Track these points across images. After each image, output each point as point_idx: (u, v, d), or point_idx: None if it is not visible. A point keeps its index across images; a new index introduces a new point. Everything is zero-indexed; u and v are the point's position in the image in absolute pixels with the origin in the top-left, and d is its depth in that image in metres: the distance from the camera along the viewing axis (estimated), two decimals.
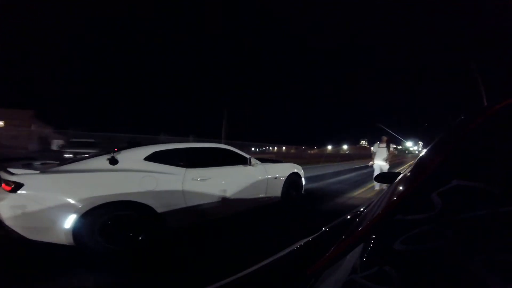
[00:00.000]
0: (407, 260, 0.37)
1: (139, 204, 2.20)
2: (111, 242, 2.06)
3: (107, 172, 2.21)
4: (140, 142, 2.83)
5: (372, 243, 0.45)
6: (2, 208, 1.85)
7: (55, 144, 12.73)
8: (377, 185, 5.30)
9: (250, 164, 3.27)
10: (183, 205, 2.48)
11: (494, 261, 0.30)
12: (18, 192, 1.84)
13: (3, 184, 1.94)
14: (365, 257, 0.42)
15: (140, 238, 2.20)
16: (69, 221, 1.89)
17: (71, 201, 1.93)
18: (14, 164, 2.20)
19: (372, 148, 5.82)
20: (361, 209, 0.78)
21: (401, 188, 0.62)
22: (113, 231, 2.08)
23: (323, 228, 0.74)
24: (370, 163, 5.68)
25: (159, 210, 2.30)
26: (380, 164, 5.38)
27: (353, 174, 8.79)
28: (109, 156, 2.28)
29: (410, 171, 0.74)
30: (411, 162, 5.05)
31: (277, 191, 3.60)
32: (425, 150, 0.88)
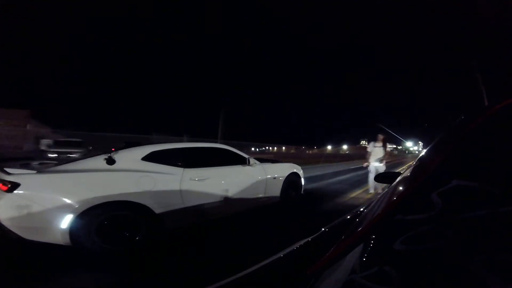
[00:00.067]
0: (407, 260, 0.37)
1: (136, 204, 2.19)
2: (108, 242, 2.05)
3: (104, 172, 2.20)
4: (139, 142, 2.82)
5: (372, 243, 0.45)
6: None
7: (44, 143, 12.45)
8: (371, 188, 4.97)
9: (248, 164, 3.27)
10: (181, 205, 2.47)
11: (494, 261, 0.30)
12: (15, 192, 1.83)
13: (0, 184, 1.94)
14: (365, 257, 0.42)
15: (137, 238, 2.20)
16: (66, 221, 1.89)
17: (68, 201, 1.92)
18: (12, 164, 2.20)
19: (367, 148, 5.25)
20: (361, 209, 0.78)
21: (401, 188, 0.62)
22: (110, 231, 2.08)
23: (323, 229, 0.74)
24: (365, 164, 5.14)
25: (157, 210, 2.29)
26: (376, 165, 4.88)
27: (353, 174, 8.79)
28: (106, 156, 2.28)
29: (410, 171, 0.74)
30: (411, 162, 4.99)
31: (276, 191, 3.60)
32: (425, 150, 0.88)
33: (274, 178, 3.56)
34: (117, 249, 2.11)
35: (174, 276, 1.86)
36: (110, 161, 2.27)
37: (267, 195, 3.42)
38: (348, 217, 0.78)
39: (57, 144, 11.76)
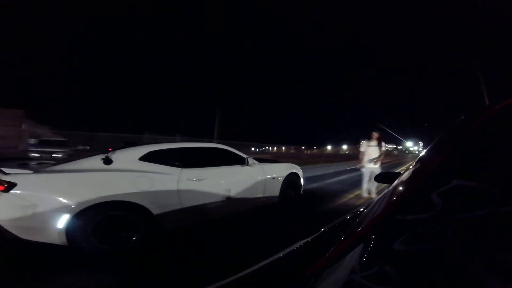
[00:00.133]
0: (407, 260, 0.37)
1: (133, 204, 2.19)
2: (104, 242, 2.05)
3: (101, 172, 2.20)
4: (135, 142, 2.81)
5: (372, 243, 0.45)
6: None
7: (30, 143, 12.25)
8: (365, 192, 4.61)
9: (247, 164, 3.26)
10: (179, 206, 2.46)
11: (494, 261, 0.30)
12: (11, 191, 1.83)
13: None
14: (365, 257, 0.42)
15: (134, 238, 2.19)
16: (62, 221, 1.89)
17: (64, 200, 1.92)
18: (10, 164, 2.20)
19: (360, 148, 4.67)
20: (361, 209, 0.78)
21: (401, 188, 0.62)
22: (106, 231, 2.07)
23: (322, 229, 0.74)
24: (359, 165, 4.61)
25: (154, 210, 2.29)
26: (370, 167, 4.38)
27: (352, 174, 8.79)
28: (103, 156, 2.28)
29: (410, 171, 0.74)
30: (411, 162, 4.93)
31: (275, 192, 3.59)
32: (425, 150, 0.88)
33: (273, 178, 3.55)
34: (114, 249, 2.10)
35: (174, 276, 1.85)
36: (107, 161, 2.26)
37: (266, 195, 3.42)
38: (348, 217, 0.79)
39: (41, 143, 11.44)
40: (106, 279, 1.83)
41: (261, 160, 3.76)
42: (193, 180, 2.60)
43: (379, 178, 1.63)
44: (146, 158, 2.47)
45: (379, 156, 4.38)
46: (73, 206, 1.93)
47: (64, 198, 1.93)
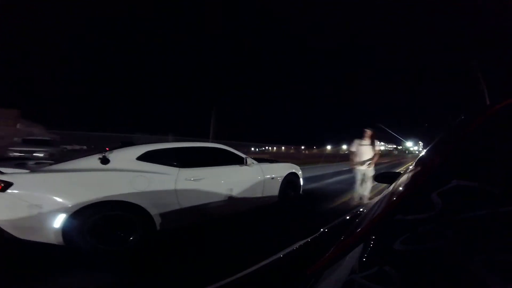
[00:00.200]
0: (407, 260, 0.37)
1: (130, 204, 2.18)
2: (101, 242, 2.04)
3: (98, 171, 2.19)
4: (132, 141, 2.81)
5: (372, 243, 0.45)
6: None
7: (15, 142, 12.07)
8: (357, 198, 4.18)
9: (246, 164, 3.24)
10: (176, 206, 2.45)
11: (494, 261, 0.30)
12: (8, 191, 1.82)
13: None
14: (365, 257, 0.42)
15: (131, 238, 2.18)
16: (59, 220, 1.88)
17: (61, 200, 1.92)
18: (7, 164, 2.20)
19: (351, 147, 4.17)
20: (361, 209, 0.78)
21: (401, 188, 0.62)
22: (103, 231, 2.07)
23: (322, 229, 0.74)
24: (351, 166, 4.20)
25: (151, 210, 2.28)
26: (363, 169, 3.91)
27: (352, 174, 8.79)
28: (100, 156, 2.27)
29: (410, 171, 0.74)
30: (411, 162, 4.91)
31: (274, 192, 3.59)
32: (425, 150, 0.88)
33: (272, 178, 3.54)
34: (111, 249, 2.09)
35: (173, 276, 1.85)
36: (104, 161, 2.26)
37: (265, 195, 3.41)
38: (348, 217, 0.79)
39: (24, 142, 11.27)
40: (106, 279, 1.83)
41: (260, 160, 3.75)
42: (191, 180, 2.59)
43: (379, 178, 1.63)
44: (143, 157, 2.47)
45: (373, 157, 3.89)
46: (69, 206, 1.92)
47: (61, 197, 1.93)
